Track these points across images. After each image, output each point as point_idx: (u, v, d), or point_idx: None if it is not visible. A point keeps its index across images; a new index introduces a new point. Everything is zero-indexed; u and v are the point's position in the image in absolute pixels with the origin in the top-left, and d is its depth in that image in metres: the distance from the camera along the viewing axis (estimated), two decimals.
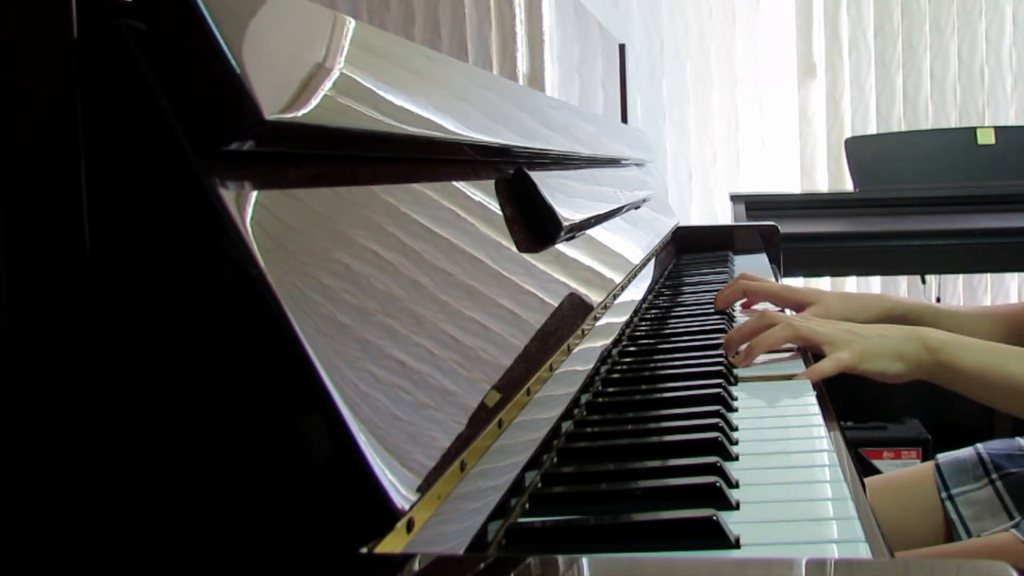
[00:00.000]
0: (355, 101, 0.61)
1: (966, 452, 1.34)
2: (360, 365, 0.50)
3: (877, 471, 1.95)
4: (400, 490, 0.47)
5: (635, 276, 1.41)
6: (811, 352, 1.10)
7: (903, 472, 1.43)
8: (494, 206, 0.87)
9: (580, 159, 1.40)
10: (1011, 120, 3.44)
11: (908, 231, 2.63)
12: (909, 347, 1.05)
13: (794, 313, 1.35)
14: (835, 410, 0.92)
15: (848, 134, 3.37)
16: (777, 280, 1.83)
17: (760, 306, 1.41)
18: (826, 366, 1.03)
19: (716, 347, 1.13)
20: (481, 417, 0.61)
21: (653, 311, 1.44)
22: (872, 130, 3.46)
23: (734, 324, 1.31)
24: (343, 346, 0.49)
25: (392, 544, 0.46)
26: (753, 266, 1.98)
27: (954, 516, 1.27)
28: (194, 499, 0.46)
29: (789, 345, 1.11)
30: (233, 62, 0.47)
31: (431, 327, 0.61)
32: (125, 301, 0.47)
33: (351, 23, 0.65)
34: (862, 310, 1.33)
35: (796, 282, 2.76)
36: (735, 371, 1.05)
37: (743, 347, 1.09)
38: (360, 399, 0.48)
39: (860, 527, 0.60)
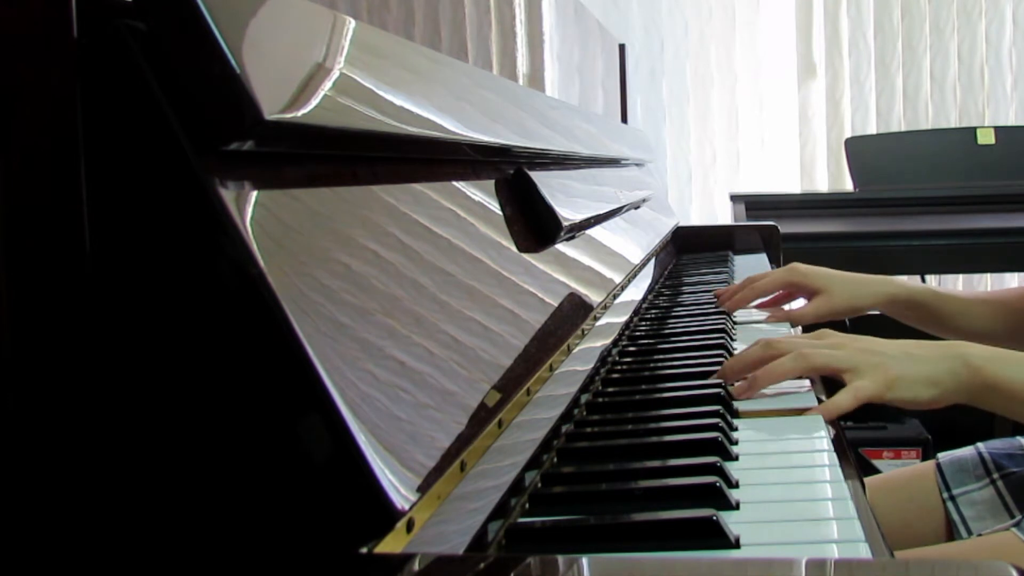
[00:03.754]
0: (355, 101, 0.61)
1: (967, 451, 1.33)
2: (360, 365, 0.50)
3: (877, 471, 1.94)
4: (400, 490, 0.47)
5: (635, 276, 1.41)
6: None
7: (904, 471, 1.43)
8: (494, 206, 0.87)
9: (580, 159, 1.40)
10: (1011, 120, 3.44)
11: (908, 231, 2.63)
12: (946, 367, 0.93)
13: (804, 302, 1.36)
14: None
15: (848, 134, 3.37)
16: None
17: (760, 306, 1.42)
18: (843, 400, 0.89)
19: (716, 347, 1.13)
20: (481, 417, 0.61)
21: (653, 311, 1.44)
22: (872, 130, 3.46)
23: (735, 325, 1.31)
24: (343, 346, 0.49)
25: (392, 544, 0.46)
26: (753, 266, 1.98)
27: (955, 516, 1.26)
28: (194, 499, 0.46)
29: None
30: (233, 62, 0.47)
31: (431, 327, 0.61)
32: (125, 301, 0.47)
33: (351, 23, 0.65)
34: (868, 297, 1.34)
35: None
36: (736, 405, 0.91)
37: (743, 383, 0.94)
38: (360, 399, 0.48)
39: (860, 527, 0.60)
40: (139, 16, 0.47)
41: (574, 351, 0.91)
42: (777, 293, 1.41)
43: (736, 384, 0.95)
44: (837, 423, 0.87)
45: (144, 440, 0.46)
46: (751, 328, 1.32)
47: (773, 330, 1.30)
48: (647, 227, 1.76)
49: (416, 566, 0.45)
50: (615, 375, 1.04)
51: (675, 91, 3.55)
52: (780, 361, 0.93)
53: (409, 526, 0.48)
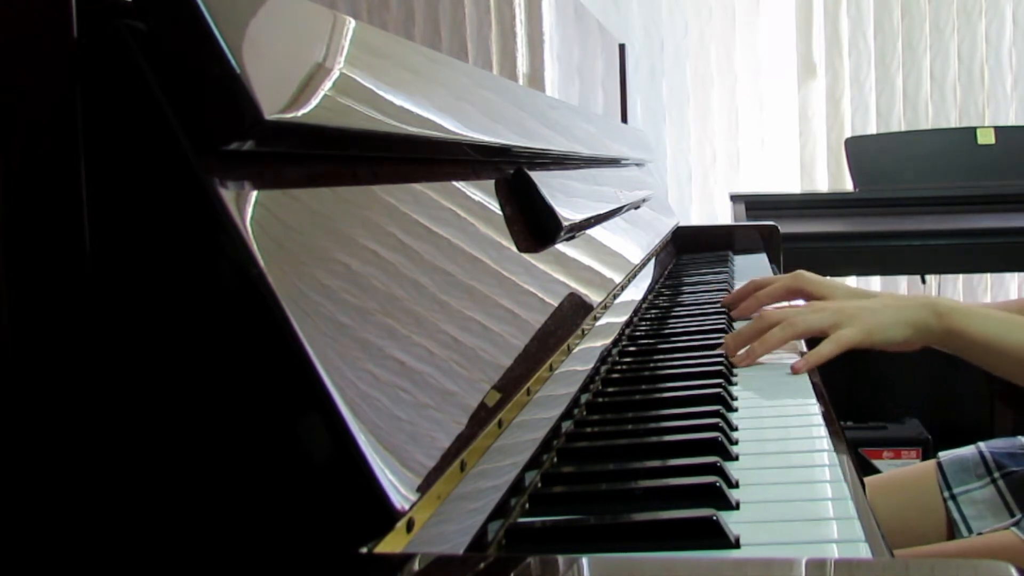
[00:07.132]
0: (355, 101, 0.61)
1: (968, 451, 1.34)
2: (360, 365, 0.50)
3: (877, 471, 1.95)
4: (400, 490, 0.47)
5: (635, 276, 1.41)
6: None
7: (904, 470, 1.43)
8: (494, 206, 0.87)
9: (580, 159, 1.40)
10: (1011, 120, 3.44)
11: (908, 231, 2.63)
12: (917, 313, 1.06)
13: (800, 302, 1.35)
14: (835, 410, 0.92)
15: (848, 134, 3.37)
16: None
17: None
18: (825, 348, 1.02)
19: (716, 347, 1.13)
20: (481, 417, 0.61)
21: (653, 311, 1.44)
22: (872, 130, 3.46)
23: (735, 324, 1.31)
24: (343, 346, 0.49)
25: (392, 544, 0.46)
26: (753, 266, 1.98)
27: (956, 515, 1.27)
28: (194, 499, 0.46)
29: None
30: (233, 62, 0.47)
31: (431, 327, 0.61)
32: (125, 301, 0.47)
33: (351, 23, 0.65)
34: None
35: None
36: (734, 368, 1.05)
37: (743, 351, 1.08)
38: (360, 399, 0.48)
39: (860, 527, 0.60)
40: (139, 16, 0.47)
41: (574, 351, 0.91)
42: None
43: (736, 354, 1.07)
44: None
45: (144, 440, 0.46)
46: None
47: None
48: (647, 227, 1.76)
49: (416, 566, 0.45)
50: (615, 375, 1.04)
51: (675, 91, 3.55)
52: (771, 332, 1.06)
53: (409, 526, 0.48)
